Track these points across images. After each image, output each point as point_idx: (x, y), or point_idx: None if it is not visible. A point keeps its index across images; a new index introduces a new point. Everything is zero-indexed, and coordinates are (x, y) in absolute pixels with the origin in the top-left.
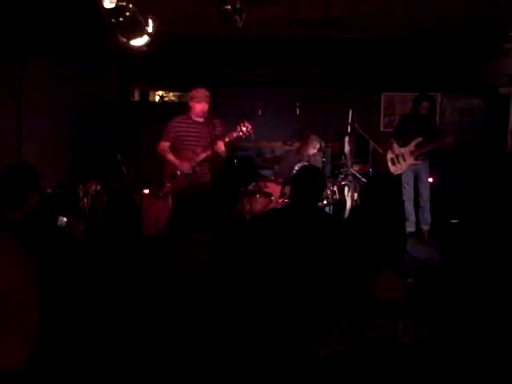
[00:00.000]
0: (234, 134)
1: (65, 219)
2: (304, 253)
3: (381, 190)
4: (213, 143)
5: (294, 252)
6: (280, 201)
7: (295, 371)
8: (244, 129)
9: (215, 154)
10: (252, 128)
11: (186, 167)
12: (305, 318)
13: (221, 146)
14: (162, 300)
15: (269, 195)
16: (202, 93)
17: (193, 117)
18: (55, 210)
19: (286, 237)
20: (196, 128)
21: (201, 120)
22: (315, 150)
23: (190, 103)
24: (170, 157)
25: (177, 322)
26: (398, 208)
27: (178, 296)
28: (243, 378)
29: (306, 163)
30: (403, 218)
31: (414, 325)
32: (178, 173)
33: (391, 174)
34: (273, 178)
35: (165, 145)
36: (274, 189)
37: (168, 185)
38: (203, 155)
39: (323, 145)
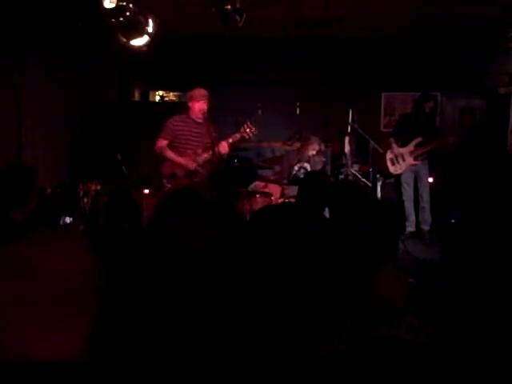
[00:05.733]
0: (238, 135)
1: (68, 219)
2: (300, 251)
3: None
4: (213, 144)
5: (290, 250)
6: (280, 201)
7: (298, 369)
8: (248, 130)
9: (217, 155)
10: (255, 130)
11: (190, 164)
12: (307, 317)
13: (225, 146)
14: (161, 299)
15: (269, 195)
16: (200, 92)
17: (192, 116)
18: (57, 209)
19: (284, 235)
20: (196, 128)
21: (200, 120)
22: (314, 152)
23: (189, 103)
24: (171, 154)
25: (176, 319)
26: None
27: (177, 294)
28: (245, 375)
29: (305, 164)
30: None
31: (418, 323)
32: (178, 172)
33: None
34: (273, 178)
35: (164, 142)
36: (274, 189)
37: (168, 185)
38: (205, 156)
39: (323, 147)
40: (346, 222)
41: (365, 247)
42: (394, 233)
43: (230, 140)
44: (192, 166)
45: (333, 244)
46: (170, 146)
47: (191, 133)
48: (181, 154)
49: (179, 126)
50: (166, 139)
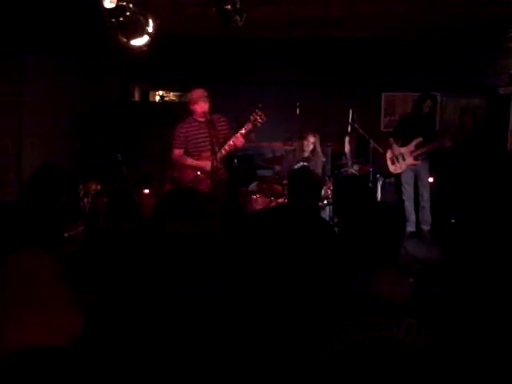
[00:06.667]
0: (250, 124)
1: None
2: (297, 251)
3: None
4: (226, 139)
5: (287, 250)
6: (280, 201)
7: (296, 370)
8: (258, 117)
9: (231, 149)
10: (265, 116)
11: (208, 165)
12: (307, 317)
13: (239, 139)
14: (160, 297)
15: (269, 195)
16: (198, 93)
17: (197, 119)
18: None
19: (280, 235)
20: (204, 129)
21: (204, 119)
22: (311, 144)
23: (191, 106)
24: (189, 161)
25: (176, 317)
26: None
27: (176, 292)
28: (245, 374)
29: (305, 163)
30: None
31: (418, 324)
32: (200, 174)
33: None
34: (273, 178)
35: (179, 152)
36: (275, 189)
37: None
38: (222, 152)
39: (318, 139)
40: (347, 223)
41: (367, 249)
42: (398, 235)
43: (243, 131)
44: (212, 165)
45: (334, 245)
46: (186, 152)
47: (201, 135)
48: (198, 157)
49: (188, 132)
50: (180, 148)
